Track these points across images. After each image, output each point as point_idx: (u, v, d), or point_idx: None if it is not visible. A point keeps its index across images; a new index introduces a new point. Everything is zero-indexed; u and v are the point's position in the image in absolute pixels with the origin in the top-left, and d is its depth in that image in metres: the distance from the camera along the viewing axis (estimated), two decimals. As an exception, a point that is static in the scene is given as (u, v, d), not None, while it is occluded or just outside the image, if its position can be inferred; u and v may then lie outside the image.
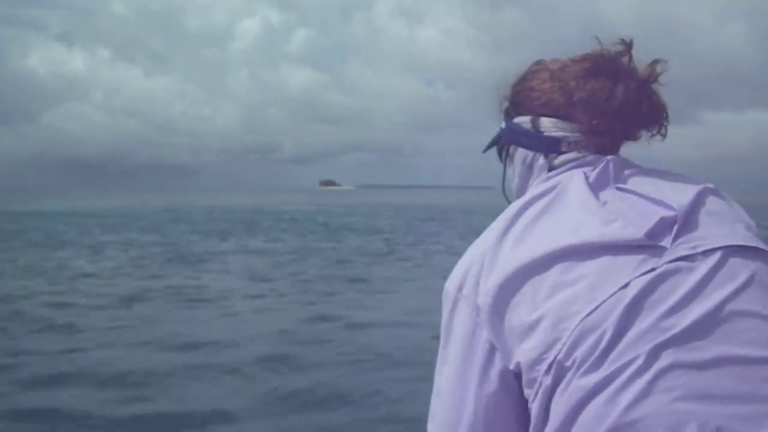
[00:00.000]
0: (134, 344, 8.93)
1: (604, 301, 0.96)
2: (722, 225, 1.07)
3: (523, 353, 1.00)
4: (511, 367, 1.04)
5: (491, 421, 1.07)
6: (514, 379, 1.05)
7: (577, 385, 0.93)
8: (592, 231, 1.03)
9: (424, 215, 50.21)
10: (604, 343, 0.93)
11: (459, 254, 1.18)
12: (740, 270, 1.00)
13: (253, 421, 6.15)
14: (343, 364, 7.97)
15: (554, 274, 1.01)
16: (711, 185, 1.15)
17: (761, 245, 1.06)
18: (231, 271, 17.08)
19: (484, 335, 1.07)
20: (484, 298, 1.06)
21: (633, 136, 1.25)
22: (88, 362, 8.00)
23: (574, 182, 1.14)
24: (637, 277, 0.97)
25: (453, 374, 1.10)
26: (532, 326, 0.99)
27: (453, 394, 1.09)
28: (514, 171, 1.33)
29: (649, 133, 1.25)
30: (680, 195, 1.08)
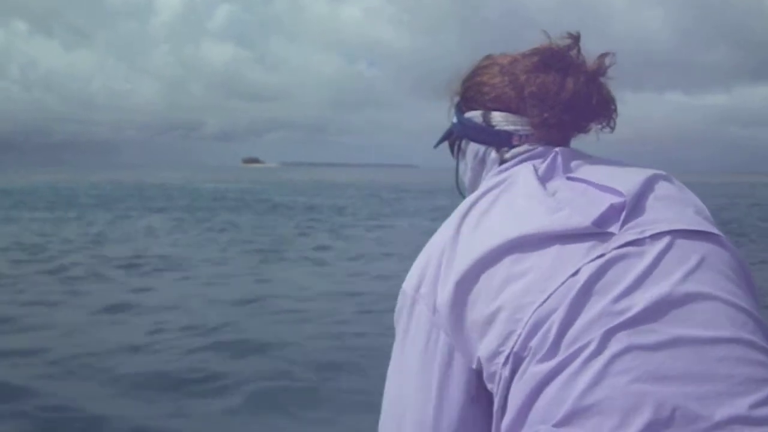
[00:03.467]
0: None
1: (556, 289, 0.96)
2: (671, 209, 1.07)
3: (482, 348, 1.00)
4: (474, 365, 1.03)
5: (457, 430, 1.06)
6: (478, 382, 1.05)
7: (532, 372, 0.93)
8: (540, 221, 1.03)
9: (355, 192, 50.71)
10: (556, 331, 0.93)
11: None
12: (690, 253, 1.00)
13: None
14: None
15: (505, 266, 1.01)
16: (662, 171, 1.16)
17: (711, 229, 1.06)
18: (166, 247, 17.11)
19: (443, 338, 1.06)
20: (443, 297, 1.05)
21: (583, 129, 1.27)
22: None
23: (522, 174, 1.15)
24: (586, 263, 0.98)
25: (414, 383, 1.08)
26: (490, 320, 1.00)
27: (416, 401, 1.07)
28: (467, 165, 1.35)
29: (599, 126, 1.27)
30: (629, 181, 1.08)
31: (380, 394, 1.15)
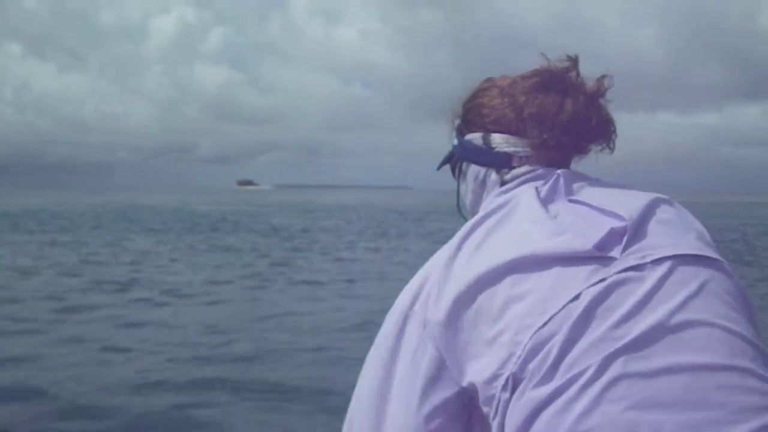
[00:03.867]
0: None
1: (556, 313, 0.96)
2: (673, 234, 1.07)
3: (478, 370, 1.00)
4: (464, 384, 1.03)
5: None
6: (462, 400, 1.05)
7: (529, 396, 0.93)
8: (541, 243, 1.03)
9: (358, 214, 50.84)
10: (555, 355, 0.93)
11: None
12: (690, 279, 1.00)
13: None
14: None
15: (505, 287, 1.01)
16: (663, 195, 1.16)
17: (711, 254, 1.06)
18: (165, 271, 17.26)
19: (430, 352, 1.06)
20: (437, 314, 1.05)
21: (582, 150, 1.28)
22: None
23: (525, 197, 1.15)
24: (587, 288, 0.97)
25: (397, 392, 1.08)
26: (490, 342, 0.99)
27: (396, 414, 1.08)
28: (467, 187, 1.35)
29: (598, 147, 1.28)
30: (631, 205, 1.08)
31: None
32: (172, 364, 8.08)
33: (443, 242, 1.17)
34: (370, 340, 1.16)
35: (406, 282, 1.16)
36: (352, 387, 1.15)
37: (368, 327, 9.21)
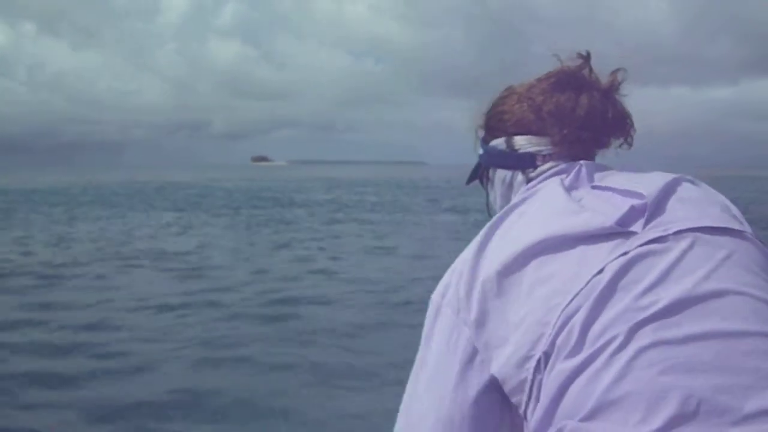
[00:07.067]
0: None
1: (581, 289, 0.96)
2: (695, 208, 1.07)
3: (506, 354, 1.00)
4: (493, 371, 1.02)
5: (468, 425, 1.05)
6: (492, 391, 1.04)
7: (559, 369, 0.93)
8: (563, 223, 1.04)
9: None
10: (581, 327, 0.93)
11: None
12: (714, 250, 1.00)
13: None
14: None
15: (531, 270, 1.02)
16: (686, 176, 1.17)
17: (737, 225, 1.06)
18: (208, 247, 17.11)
19: (465, 334, 1.05)
20: (469, 302, 1.06)
21: (603, 144, 1.30)
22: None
23: (549, 186, 1.17)
24: (610, 262, 0.97)
25: (432, 376, 1.09)
26: (517, 325, 1.00)
27: (431, 396, 1.08)
28: (496, 193, 1.37)
29: (618, 141, 1.30)
30: (651, 184, 1.09)
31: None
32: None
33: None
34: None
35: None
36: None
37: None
